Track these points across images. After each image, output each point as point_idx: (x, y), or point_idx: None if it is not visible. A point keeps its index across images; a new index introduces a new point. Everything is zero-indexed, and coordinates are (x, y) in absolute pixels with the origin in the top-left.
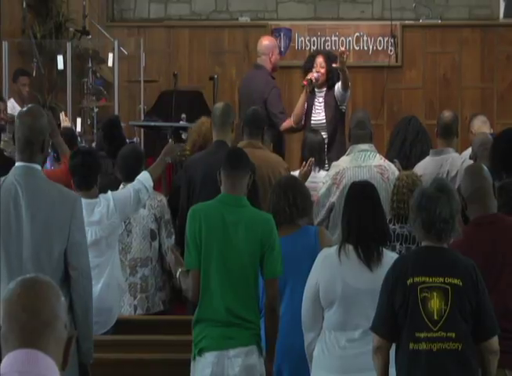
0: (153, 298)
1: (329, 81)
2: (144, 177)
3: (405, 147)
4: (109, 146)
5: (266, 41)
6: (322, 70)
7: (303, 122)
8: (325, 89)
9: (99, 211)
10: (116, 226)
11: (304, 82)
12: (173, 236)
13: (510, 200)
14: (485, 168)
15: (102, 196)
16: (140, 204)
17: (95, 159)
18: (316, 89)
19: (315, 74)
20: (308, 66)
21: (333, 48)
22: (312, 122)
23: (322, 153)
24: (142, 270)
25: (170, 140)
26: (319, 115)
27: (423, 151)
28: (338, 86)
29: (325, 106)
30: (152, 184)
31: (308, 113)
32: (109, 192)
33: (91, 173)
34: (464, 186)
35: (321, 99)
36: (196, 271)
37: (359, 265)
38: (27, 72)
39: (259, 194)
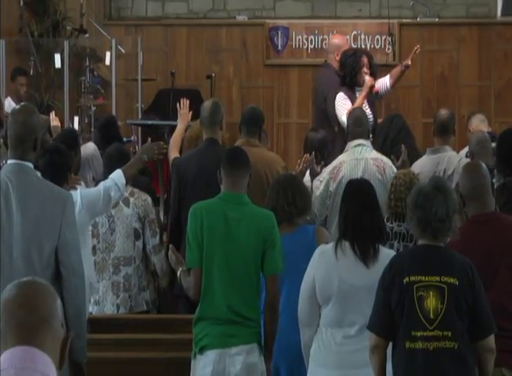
0: (136, 297)
1: None
2: (116, 175)
3: (386, 145)
4: (106, 145)
5: (335, 40)
6: (369, 71)
7: None
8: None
9: None
10: (84, 224)
11: (377, 89)
12: (157, 236)
13: None
14: (484, 165)
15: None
16: (111, 202)
17: (64, 157)
18: (357, 88)
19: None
20: (357, 66)
21: None
22: None
23: (324, 151)
24: (125, 269)
25: (149, 139)
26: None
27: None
28: (386, 81)
29: (369, 105)
30: (124, 182)
31: None
32: (79, 189)
33: (59, 172)
34: (462, 184)
35: None
36: (197, 269)
37: (355, 262)
38: (25, 72)
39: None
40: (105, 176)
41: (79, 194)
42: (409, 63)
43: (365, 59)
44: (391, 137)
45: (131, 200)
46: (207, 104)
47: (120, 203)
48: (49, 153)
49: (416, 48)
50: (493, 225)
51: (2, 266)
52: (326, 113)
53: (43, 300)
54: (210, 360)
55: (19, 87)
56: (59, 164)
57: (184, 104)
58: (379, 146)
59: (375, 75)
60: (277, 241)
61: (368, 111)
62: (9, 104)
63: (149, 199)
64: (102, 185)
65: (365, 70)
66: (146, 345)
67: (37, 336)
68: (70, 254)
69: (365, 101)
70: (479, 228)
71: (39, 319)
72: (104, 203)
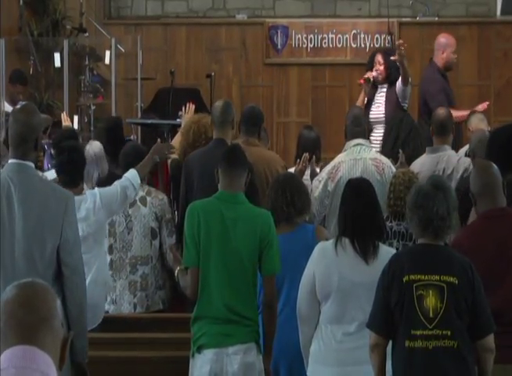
0: (152, 296)
1: (390, 77)
2: (131, 174)
3: (398, 145)
4: (112, 146)
5: (441, 39)
6: (381, 68)
7: None
8: (386, 85)
9: (85, 207)
10: (102, 223)
11: (361, 81)
12: (174, 235)
13: None
14: (494, 165)
15: (88, 192)
16: (127, 201)
17: (81, 155)
18: (378, 85)
19: (374, 73)
20: (369, 66)
21: (330, 45)
22: (371, 116)
23: (317, 150)
24: (142, 268)
25: (158, 140)
26: (377, 110)
27: (416, 148)
28: (399, 82)
29: (385, 102)
30: (139, 182)
31: (368, 107)
32: (96, 188)
33: (77, 170)
34: (473, 182)
35: (382, 94)
36: (194, 268)
37: (356, 258)
38: (25, 81)
39: (258, 193)
40: (111, 173)
41: (98, 193)
42: (394, 58)
43: (378, 58)
44: (402, 137)
45: (148, 199)
46: (218, 103)
47: (138, 202)
48: (67, 151)
49: (399, 44)
50: (503, 221)
51: (4, 265)
52: (428, 108)
53: (43, 300)
54: (208, 360)
55: (16, 94)
56: (77, 162)
57: (190, 108)
58: (390, 147)
59: (392, 70)
60: (274, 241)
61: (381, 107)
62: (4, 104)
63: (166, 198)
64: (118, 184)
65: (376, 67)
66: (145, 345)
67: (38, 336)
68: (72, 253)
69: (384, 98)
70: (489, 223)
71: (39, 318)
72: (120, 201)
